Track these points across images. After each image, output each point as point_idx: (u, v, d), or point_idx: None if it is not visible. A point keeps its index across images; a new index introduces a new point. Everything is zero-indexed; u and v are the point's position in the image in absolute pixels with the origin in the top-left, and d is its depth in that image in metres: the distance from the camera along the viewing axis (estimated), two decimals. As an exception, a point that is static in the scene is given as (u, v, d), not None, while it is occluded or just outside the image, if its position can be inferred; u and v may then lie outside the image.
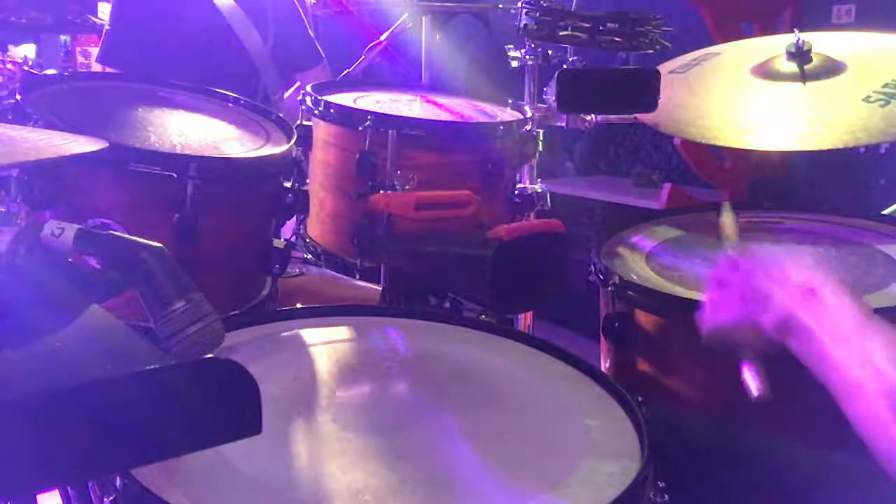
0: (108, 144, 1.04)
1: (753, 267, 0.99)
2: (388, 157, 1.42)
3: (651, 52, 1.62)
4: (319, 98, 1.53)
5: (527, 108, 1.68)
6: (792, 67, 1.61)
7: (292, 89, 2.44)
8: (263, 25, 2.29)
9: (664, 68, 1.67)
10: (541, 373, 1.08)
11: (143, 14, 2.30)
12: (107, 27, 2.43)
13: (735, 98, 1.62)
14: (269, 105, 2.07)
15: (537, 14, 1.56)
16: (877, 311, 1.13)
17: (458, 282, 1.33)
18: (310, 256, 1.66)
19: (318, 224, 1.55)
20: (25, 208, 1.25)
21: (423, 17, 2.22)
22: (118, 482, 0.73)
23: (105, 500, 0.73)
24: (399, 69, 2.50)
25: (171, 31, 2.26)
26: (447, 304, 1.42)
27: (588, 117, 1.70)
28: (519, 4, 1.59)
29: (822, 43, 1.66)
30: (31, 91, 1.37)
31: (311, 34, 2.54)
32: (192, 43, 2.22)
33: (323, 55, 2.56)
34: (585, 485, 0.81)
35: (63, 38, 5.71)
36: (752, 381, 0.98)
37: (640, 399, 0.97)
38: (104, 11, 2.42)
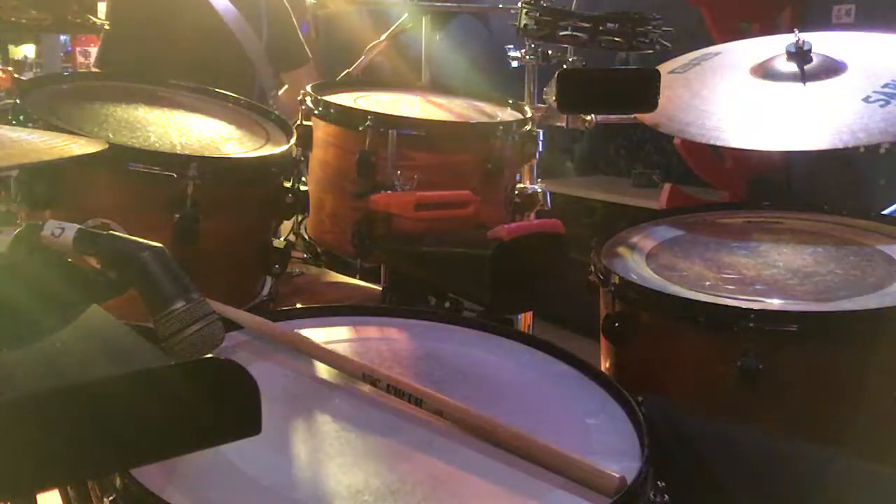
0: (108, 145, 1.04)
1: None
2: (388, 157, 1.42)
3: (651, 52, 1.62)
4: (319, 98, 1.53)
5: (527, 108, 1.68)
6: (792, 67, 1.61)
7: (283, 89, 2.44)
8: (257, 23, 2.30)
9: (664, 68, 1.67)
10: (541, 373, 1.08)
11: (139, 16, 2.30)
12: (105, 27, 2.43)
13: (735, 98, 1.62)
14: (265, 104, 2.07)
15: (537, 14, 1.56)
16: (877, 311, 1.14)
17: (458, 282, 1.33)
18: (310, 256, 1.66)
19: (318, 224, 1.56)
20: (25, 208, 1.25)
21: (423, 17, 2.22)
22: (118, 482, 0.73)
23: (105, 500, 0.73)
24: (399, 69, 2.50)
25: (167, 33, 2.26)
26: (447, 304, 1.42)
27: (588, 117, 1.70)
28: (519, 4, 1.59)
29: (822, 43, 1.66)
30: (31, 91, 1.37)
31: (300, 34, 2.54)
32: (188, 43, 2.22)
33: (310, 56, 2.57)
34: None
35: (63, 37, 5.71)
36: None
37: (640, 399, 0.97)
38: (104, 11, 2.42)
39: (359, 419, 0.91)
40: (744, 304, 1.16)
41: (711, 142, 1.55)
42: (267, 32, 2.33)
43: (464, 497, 0.78)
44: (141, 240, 0.85)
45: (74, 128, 1.26)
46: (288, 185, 1.50)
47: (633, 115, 1.66)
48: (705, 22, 3.29)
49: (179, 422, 0.55)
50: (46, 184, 1.22)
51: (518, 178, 1.70)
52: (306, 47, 2.57)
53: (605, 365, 1.36)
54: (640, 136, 4.35)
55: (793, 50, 1.62)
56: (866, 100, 1.47)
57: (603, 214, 3.88)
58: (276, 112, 1.65)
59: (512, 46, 1.81)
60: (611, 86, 1.55)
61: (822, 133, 1.45)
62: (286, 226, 1.61)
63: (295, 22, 2.52)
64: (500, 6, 2.17)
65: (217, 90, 1.67)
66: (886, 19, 2.99)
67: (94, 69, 2.48)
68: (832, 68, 1.60)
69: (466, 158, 1.48)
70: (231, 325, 1.08)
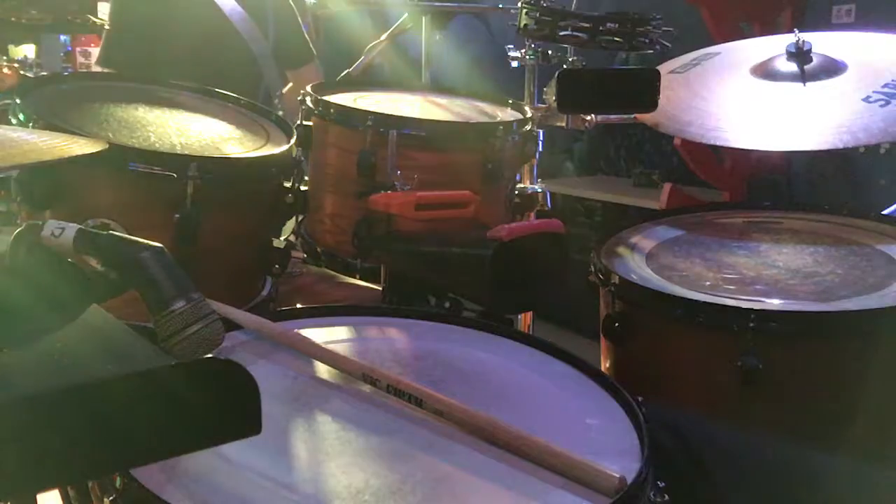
0: (108, 145, 1.04)
1: None
2: (388, 157, 1.42)
3: (651, 52, 1.62)
4: (319, 98, 1.53)
5: (527, 108, 1.68)
6: (792, 67, 1.61)
7: (286, 87, 2.44)
8: (264, 24, 2.30)
9: (664, 68, 1.67)
10: (541, 373, 1.08)
11: (144, 16, 2.30)
12: (107, 27, 2.43)
13: (735, 98, 1.62)
14: (270, 104, 2.07)
15: (537, 14, 1.56)
16: (877, 311, 1.14)
17: (458, 282, 1.33)
18: (309, 256, 1.66)
19: (318, 224, 1.56)
20: (25, 208, 1.25)
21: (423, 17, 2.22)
22: (118, 482, 0.73)
23: (105, 500, 0.73)
24: (399, 69, 2.50)
25: (172, 33, 2.26)
26: (447, 304, 1.42)
27: (588, 117, 1.70)
28: (519, 4, 1.59)
29: (822, 43, 1.66)
30: (31, 91, 1.37)
31: (305, 32, 2.55)
32: (194, 44, 2.22)
33: (315, 53, 2.57)
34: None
35: (63, 37, 5.72)
36: None
37: (640, 399, 0.97)
38: (104, 11, 2.42)
39: (359, 419, 0.91)
40: (744, 304, 1.16)
41: (711, 142, 1.56)
42: (273, 31, 2.34)
43: (464, 497, 0.78)
44: (141, 240, 0.85)
45: (74, 128, 1.26)
46: (288, 185, 1.50)
47: (633, 115, 1.66)
48: (705, 22, 3.29)
49: (179, 422, 0.55)
50: (46, 184, 1.22)
51: (518, 178, 1.70)
52: (311, 45, 2.57)
53: (605, 365, 1.36)
54: (640, 136, 4.35)
55: (793, 50, 1.62)
56: (866, 100, 1.47)
57: (603, 214, 3.88)
58: (280, 111, 1.65)
59: (512, 46, 1.81)
60: (611, 86, 1.55)
61: (822, 133, 1.45)
62: (289, 226, 1.61)
63: (300, 20, 2.53)
64: (500, 6, 2.17)
65: (217, 90, 1.67)
66: (886, 19, 2.99)
67: (96, 66, 2.48)
68: (832, 68, 1.60)
69: (466, 158, 1.48)
70: (231, 325, 1.08)
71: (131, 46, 2.29)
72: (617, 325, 1.27)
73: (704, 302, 1.19)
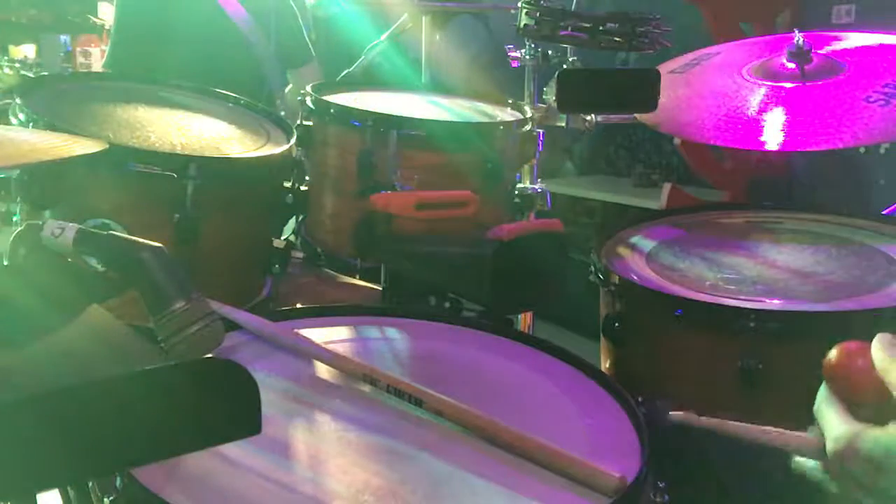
0: (108, 145, 1.04)
1: None
2: (388, 157, 1.42)
3: (651, 52, 1.62)
4: (319, 98, 1.53)
5: (527, 108, 1.68)
6: (792, 67, 1.61)
7: (288, 88, 2.45)
8: (266, 25, 2.30)
9: (664, 68, 1.67)
10: (540, 372, 1.08)
11: (147, 18, 2.31)
12: (107, 28, 2.44)
13: (735, 98, 1.62)
14: (273, 105, 2.08)
15: (537, 14, 1.56)
16: (877, 311, 1.14)
17: (458, 282, 1.33)
18: (309, 256, 1.66)
19: (318, 224, 1.55)
20: (25, 208, 1.25)
21: (423, 17, 2.22)
22: (118, 482, 0.73)
23: (105, 500, 0.73)
24: (399, 69, 2.50)
25: (176, 36, 2.26)
26: (447, 304, 1.42)
27: (588, 117, 1.70)
28: (519, 4, 1.59)
29: (822, 43, 1.66)
30: (31, 91, 1.37)
31: (305, 32, 2.57)
32: (197, 47, 2.22)
33: (314, 54, 2.59)
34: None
35: (63, 37, 5.73)
36: None
37: (640, 399, 0.97)
38: (104, 11, 2.43)
39: (359, 419, 0.91)
40: (744, 304, 1.16)
41: (711, 142, 1.55)
42: (275, 32, 2.35)
43: (464, 497, 0.78)
44: (141, 240, 0.85)
45: (74, 128, 1.26)
46: (288, 185, 1.50)
47: (633, 115, 1.66)
48: (705, 22, 3.29)
49: (179, 422, 0.55)
50: (46, 184, 1.22)
51: (518, 178, 1.69)
52: (310, 45, 2.59)
53: (605, 365, 1.36)
54: (640, 136, 4.35)
55: (793, 50, 1.62)
56: (866, 100, 1.47)
57: (603, 214, 3.89)
58: (282, 111, 1.65)
59: (512, 46, 1.81)
60: (611, 86, 1.54)
61: (822, 133, 1.45)
62: (289, 226, 1.61)
63: (301, 21, 2.54)
64: (501, 6, 2.17)
65: (217, 90, 1.67)
66: (886, 19, 2.99)
67: (103, 69, 2.50)
68: (832, 68, 1.59)
69: (466, 158, 1.48)
70: (231, 325, 1.08)
71: (135, 48, 2.30)
72: (617, 325, 1.27)
73: (704, 302, 1.19)
